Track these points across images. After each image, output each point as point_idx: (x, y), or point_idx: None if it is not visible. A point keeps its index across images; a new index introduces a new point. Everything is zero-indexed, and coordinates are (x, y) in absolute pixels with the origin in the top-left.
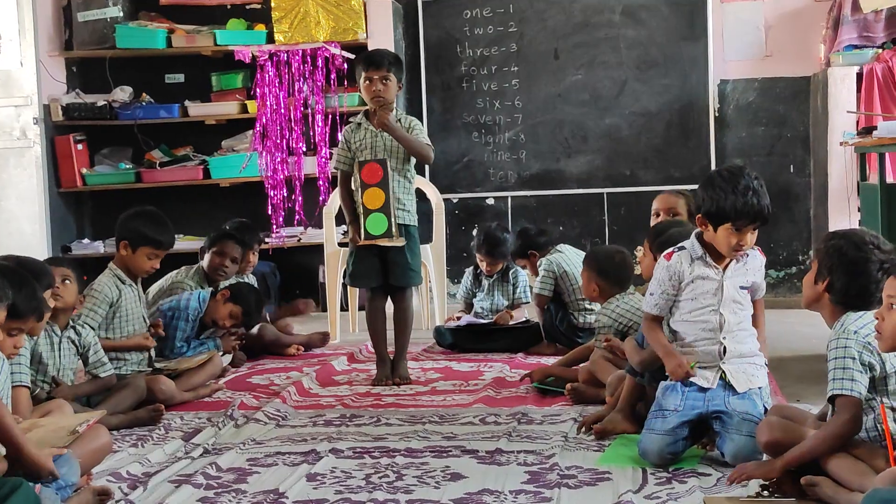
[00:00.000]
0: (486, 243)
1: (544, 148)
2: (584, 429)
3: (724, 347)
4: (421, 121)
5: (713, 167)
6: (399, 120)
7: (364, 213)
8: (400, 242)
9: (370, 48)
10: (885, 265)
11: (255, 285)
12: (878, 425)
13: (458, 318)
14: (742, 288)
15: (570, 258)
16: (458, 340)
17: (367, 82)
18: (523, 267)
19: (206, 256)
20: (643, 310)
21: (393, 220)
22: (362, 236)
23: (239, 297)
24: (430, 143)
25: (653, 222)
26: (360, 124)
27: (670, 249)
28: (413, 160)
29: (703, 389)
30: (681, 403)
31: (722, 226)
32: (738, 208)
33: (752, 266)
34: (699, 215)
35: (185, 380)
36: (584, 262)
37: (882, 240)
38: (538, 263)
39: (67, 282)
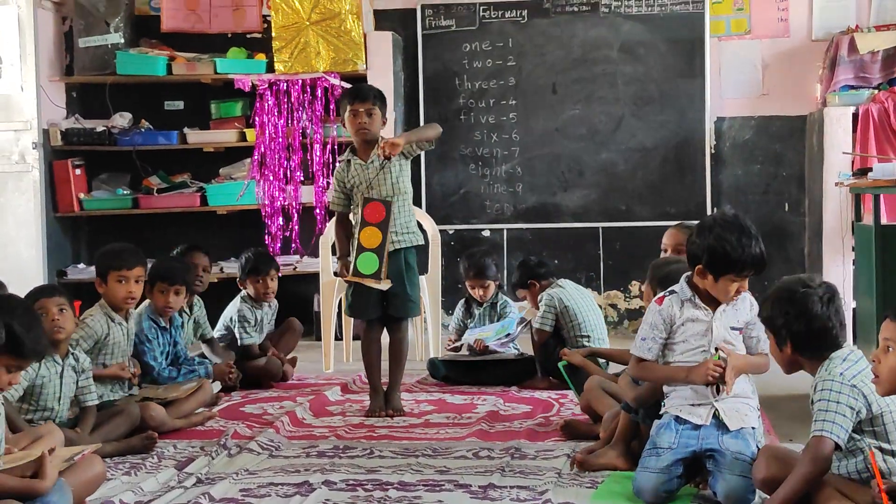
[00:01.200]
0: (473, 267)
1: (541, 181)
2: (576, 465)
3: (717, 386)
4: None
5: (709, 204)
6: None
7: (357, 250)
8: (385, 286)
9: (369, 79)
10: (826, 296)
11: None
12: (869, 466)
13: (456, 343)
14: (733, 329)
15: (571, 293)
16: (451, 373)
17: (352, 115)
18: (523, 298)
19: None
20: (632, 353)
21: (384, 263)
22: (350, 272)
23: (153, 274)
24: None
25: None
26: (349, 161)
27: (661, 294)
28: (409, 185)
29: (696, 427)
30: (675, 441)
31: (725, 275)
32: (744, 259)
33: (742, 307)
34: (699, 266)
35: (175, 407)
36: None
37: (808, 276)
38: (539, 298)
39: (64, 310)
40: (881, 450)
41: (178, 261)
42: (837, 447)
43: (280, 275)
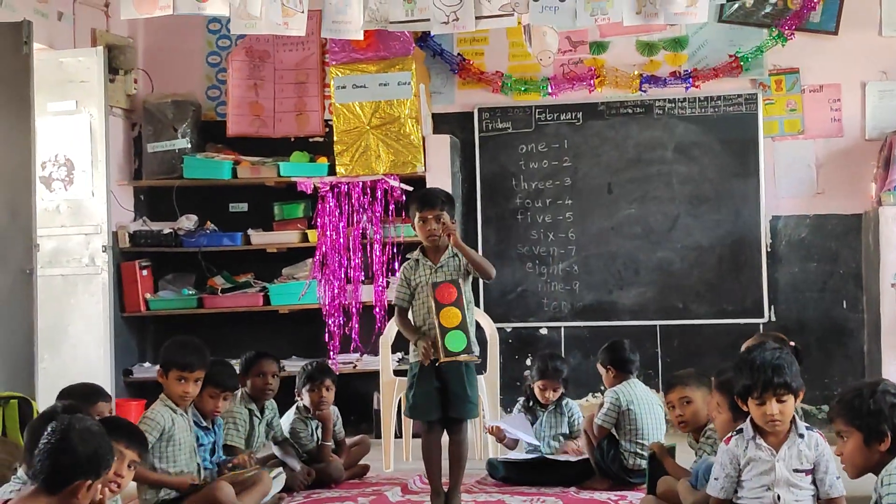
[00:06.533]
0: (548, 368)
1: (597, 279)
2: None
3: None
4: (476, 251)
5: (766, 301)
6: (457, 254)
7: (441, 332)
8: (476, 359)
9: (428, 181)
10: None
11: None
12: None
13: (504, 441)
14: (797, 471)
15: (639, 395)
16: (510, 474)
17: (422, 222)
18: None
19: (248, 381)
20: (709, 493)
21: (471, 335)
22: (442, 355)
23: (204, 378)
24: None
25: None
26: (417, 261)
27: (729, 434)
28: (470, 291)
29: None
30: None
31: (749, 401)
32: (750, 382)
33: (808, 446)
34: (736, 397)
35: (237, 499)
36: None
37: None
38: (605, 395)
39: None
40: None
41: (228, 366)
42: None
43: (340, 373)
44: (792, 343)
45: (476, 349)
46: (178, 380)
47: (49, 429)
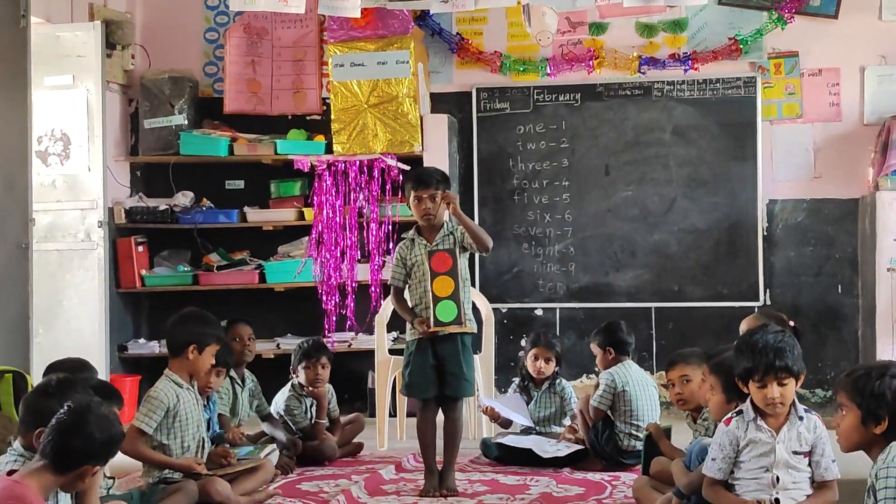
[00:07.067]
0: (541, 336)
1: (593, 261)
2: None
3: (779, 500)
4: None
5: (761, 285)
6: (452, 233)
7: (434, 301)
8: (471, 329)
9: (425, 160)
10: None
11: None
12: None
13: (498, 421)
14: (796, 453)
15: (633, 377)
16: (503, 453)
17: (417, 201)
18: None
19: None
20: (705, 473)
21: (462, 307)
22: (432, 324)
23: None
24: None
25: None
26: (413, 240)
27: (729, 415)
28: (466, 268)
29: None
30: None
31: (750, 383)
32: (751, 364)
33: (807, 429)
34: (737, 379)
35: (238, 484)
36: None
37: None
38: (600, 376)
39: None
40: None
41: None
42: None
43: (335, 351)
44: (792, 323)
45: (471, 323)
46: (212, 355)
47: (66, 408)
